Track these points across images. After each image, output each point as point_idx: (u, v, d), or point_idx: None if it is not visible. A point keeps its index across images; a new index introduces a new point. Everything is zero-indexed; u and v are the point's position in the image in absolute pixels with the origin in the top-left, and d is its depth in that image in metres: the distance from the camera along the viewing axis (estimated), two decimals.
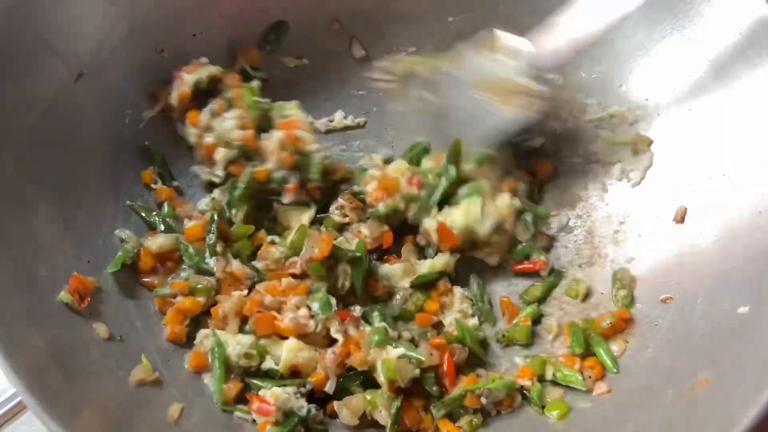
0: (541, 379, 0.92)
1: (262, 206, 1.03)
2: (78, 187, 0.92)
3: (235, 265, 0.95)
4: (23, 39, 0.87)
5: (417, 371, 0.86)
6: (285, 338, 0.90)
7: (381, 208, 1.00)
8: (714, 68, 0.96)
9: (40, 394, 0.71)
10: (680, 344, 0.87)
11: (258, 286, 0.93)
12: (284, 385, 0.87)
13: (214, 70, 1.05)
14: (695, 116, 0.99)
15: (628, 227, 1.04)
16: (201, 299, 0.93)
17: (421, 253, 1.03)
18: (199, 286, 0.93)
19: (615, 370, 0.90)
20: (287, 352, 0.88)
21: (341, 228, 1.03)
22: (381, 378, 0.86)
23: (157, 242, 0.95)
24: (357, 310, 0.93)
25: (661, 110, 1.04)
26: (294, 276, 0.93)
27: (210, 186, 1.05)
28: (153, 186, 1.02)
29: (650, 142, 1.05)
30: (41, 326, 0.78)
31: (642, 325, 0.93)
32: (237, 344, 0.89)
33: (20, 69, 0.87)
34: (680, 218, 0.98)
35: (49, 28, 0.89)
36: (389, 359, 0.85)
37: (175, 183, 1.05)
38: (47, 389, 0.73)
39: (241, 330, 0.92)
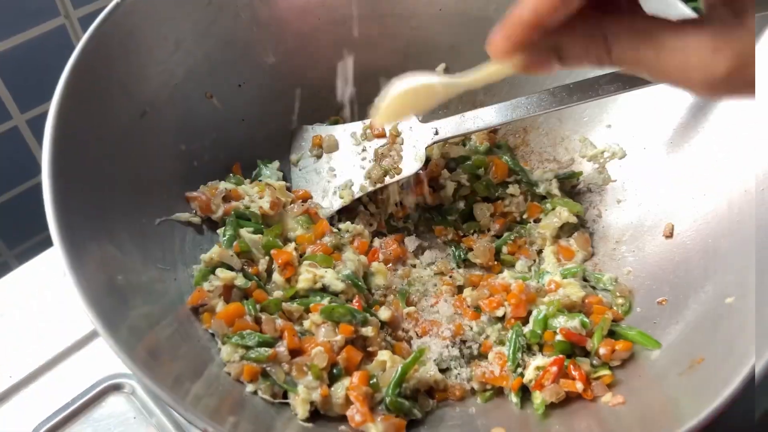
0: None
1: None
2: (148, 202, 1.06)
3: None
4: (101, 78, 1.01)
5: None
6: None
7: None
8: (690, 106, 1.13)
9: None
10: (677, 335, 0.97)
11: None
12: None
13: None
14: (678, 149, 1.14)
15: (623, 246, 1.17)
16: None
17: None
18: None
19: None
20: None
21: None
22: None
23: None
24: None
25: (646, 146, 1.19)
26: None
27: None
28: None
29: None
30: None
31: (643, 324, 1.04)
32: None
33: (98, 103, 1.00)
34: (669, 233, 1.10)
35: (123, 70, 1.04)
36: None
37: None
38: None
39: None
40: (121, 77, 1.05)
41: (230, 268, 1.03)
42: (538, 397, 0.97)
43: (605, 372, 0.97)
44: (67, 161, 0.92)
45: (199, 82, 1.17)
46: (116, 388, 1.09)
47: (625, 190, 1.21)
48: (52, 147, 0.90)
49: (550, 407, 0.96)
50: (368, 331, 0.99)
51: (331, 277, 1.03)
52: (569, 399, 0.97)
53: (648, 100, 1.18)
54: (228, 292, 1.01)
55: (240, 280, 1.01)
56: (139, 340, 0.86)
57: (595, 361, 1.00)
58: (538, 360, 1.00)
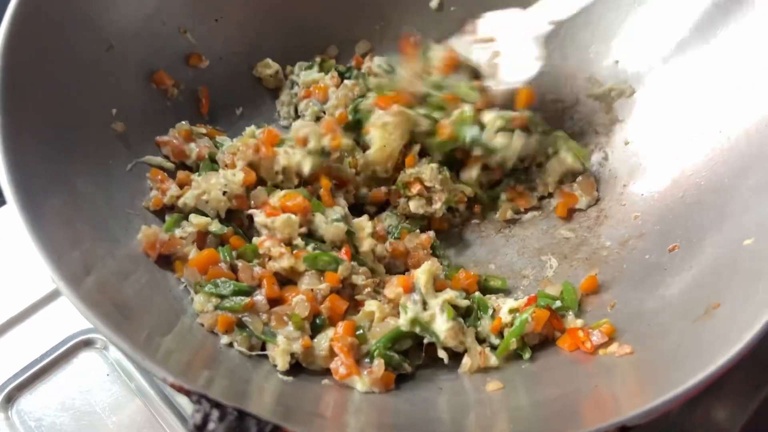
0: None
1: None
2: (114, 144, 0.97)
3: None
4: (65, 8, 0.92)
5: None
6: None
7: None
8: (697, 29, 1.04)
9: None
10: (690, 281, 0.89)
11: None
12: None
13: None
14: (690, 82, 1.05)
15: (631, 189, 1.09)
16: None
17: None
18: None
19: None
20: None
21: None
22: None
23: None
24: None
25: (656, 81, 1.10)
26: None
27: None
28: None
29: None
30: None
31: (653, 272, 0.96)
32: None
33: (56, 34, 0.92)
34: (681, 174, 1.02)
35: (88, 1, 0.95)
36: None
37: None
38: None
39: None
40: (84, 7, 0.95)
41: (204, 214, 0.95)
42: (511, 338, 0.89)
43: (603, 321, 0.90)
44: (20, 98, 0.83)
45: (172, 15, 1.08)
46: (88, 343, 1.02)
47: (633, 130, 1.12)
48: (1, 81, 0.82)
49: (549, 359, 0.89)
50: (359, 279, 0.91)
51: (319, 221, 0.95)
52: (573, 352, 0.89)
53: (658, 31, 1.09)
54: (202, 239, 0.93)
55: (215, 226, 0.94)
56: (106, 295, 0.78)
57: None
58: (510, 303, 0.94)
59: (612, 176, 1.11)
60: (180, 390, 0.64)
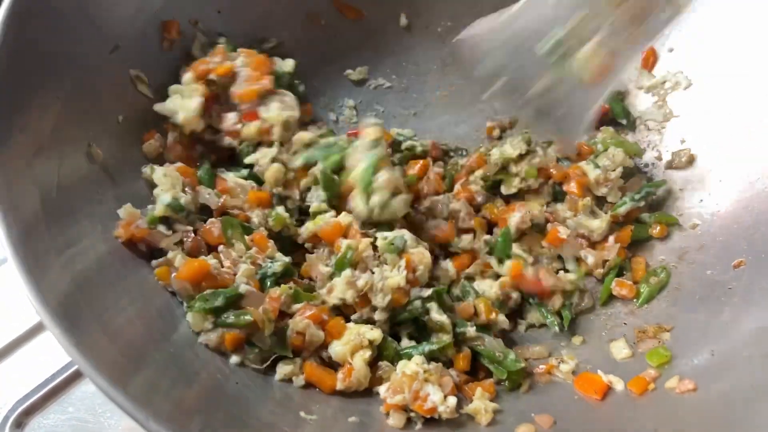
0: None
1: None
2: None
3: None
4: (64, 8, 0.84)
5: None
6: None
7: None
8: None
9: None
10: (761, 304, 0.80)
11: None
12: None
13: None
14: (759, 74, 0.94)
15: (689, 194, 0.98)
16: None
17: None
18: None
19: None
20: None
21: None
22: None
23: None
24: None
25: (717, 72, 0.99)
26: None
27: None
28: None
29: None
30: None
31: (716, 290, 0.86)
32: None
33: (59, 38, 0.84)
34: (746, 178, 0.91)
35: None
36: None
37: None
38: None
39: None
40: (86, 6, 0.87)
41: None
42: None
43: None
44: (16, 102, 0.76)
45: (178, 8, 0.98)
46: None
47: (690, 126, 1.01)
48: None
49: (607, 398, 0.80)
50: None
51: None
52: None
53: (719, 15, 0.97)
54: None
55: None
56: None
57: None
58: None
59: (666, 179, 1.01)
60: None
